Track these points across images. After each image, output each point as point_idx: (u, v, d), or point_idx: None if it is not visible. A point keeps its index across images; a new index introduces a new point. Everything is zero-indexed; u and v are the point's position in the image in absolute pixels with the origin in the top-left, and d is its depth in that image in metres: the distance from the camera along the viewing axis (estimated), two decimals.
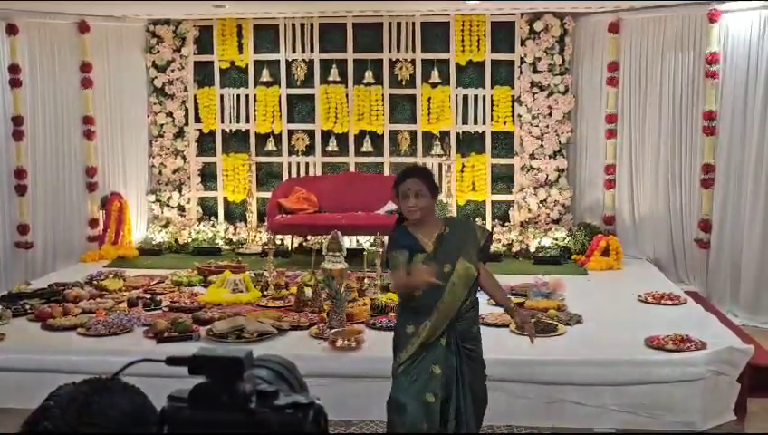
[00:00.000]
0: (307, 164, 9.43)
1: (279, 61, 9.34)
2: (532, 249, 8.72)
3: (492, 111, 9.12)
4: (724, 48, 7.68)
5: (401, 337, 3.89)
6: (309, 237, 8.90)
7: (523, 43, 8.98)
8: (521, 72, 9.01)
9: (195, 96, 9.46)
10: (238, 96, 9.45)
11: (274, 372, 1.17)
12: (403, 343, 3.87)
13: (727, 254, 7.71)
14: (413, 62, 9.17)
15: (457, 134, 9.20)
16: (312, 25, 9.24)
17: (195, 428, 1.06)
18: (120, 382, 1.28)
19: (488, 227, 8.89)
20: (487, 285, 4.04)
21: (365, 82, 9.20)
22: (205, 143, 9.57)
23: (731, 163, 7.66)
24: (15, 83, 8.05)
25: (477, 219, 9.15)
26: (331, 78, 9.23)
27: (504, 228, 9.07)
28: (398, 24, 9.14)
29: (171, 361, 1.12)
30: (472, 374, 3.87)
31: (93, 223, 8.91)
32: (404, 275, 3.79)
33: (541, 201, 9.03)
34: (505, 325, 5.85)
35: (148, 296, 6.78)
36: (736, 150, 7.61)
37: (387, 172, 9.23)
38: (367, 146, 9.25)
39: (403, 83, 9.23)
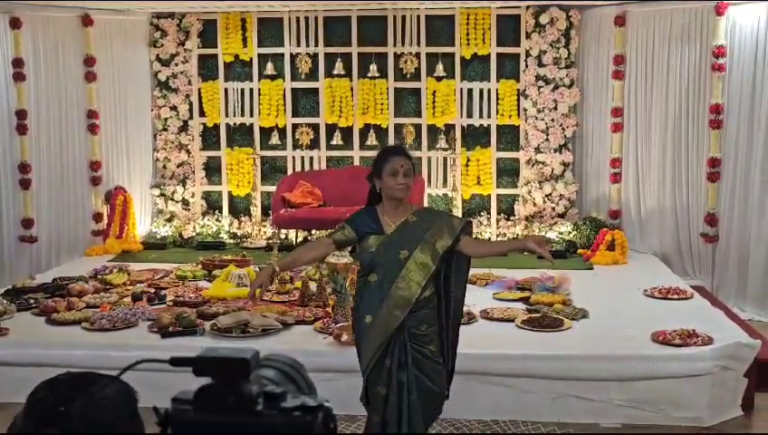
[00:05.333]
0: (311, 158, 9.41)
1: (283, 54, 9.31)
2: None
3: (497, 104, 9.08)
4: (731, 41, 7.66)
5: (361, 329, 3.86)
6: (313, 231, 8.87)
7: (528, 37, 8.94)
8: (526, 66, 8.97)
9: (199, 90, 9.43)
10: (242, 90, 9.42)
11: (281, 372, 1.15)
12: (364, 335, 3.85)
13: (734, 248, 7.68)
14: (418, 55, 9.13)
15: (462, 128, 9.16)
16: (316, 19, 9.21)
17: (200, 430, 1.03)
18: (94, 373, 1.29)
19: (493, 219, 8.90)
20: (482, 250, 4.03)
21: (370, 75, 9.16)
22: (209, 137, 9.55)
23: (738, 157, 7.63)
24: (19, 77, 8.03)
25: (482, 213, 9.13)
26: (335, 71, 9.20)
27: (510, 222, 9.04)
28: (403, 18, 9.10)
29: (175, 361, 1.09)
30: (421, 373, 3.82)
31: (98, 217, 8.90)
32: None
33: (546, 195, 9.00)
34: (510, 320, 5.84)
35: (153, 291, 6.77)
36: (743, 144, 7.58)
37: None
38: (371, 140, 9.22)
39: (408, 77, 9.19)
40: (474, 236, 4.04)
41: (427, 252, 3.80)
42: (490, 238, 8.94)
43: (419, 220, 3.87)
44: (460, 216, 8.41)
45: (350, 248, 4.14)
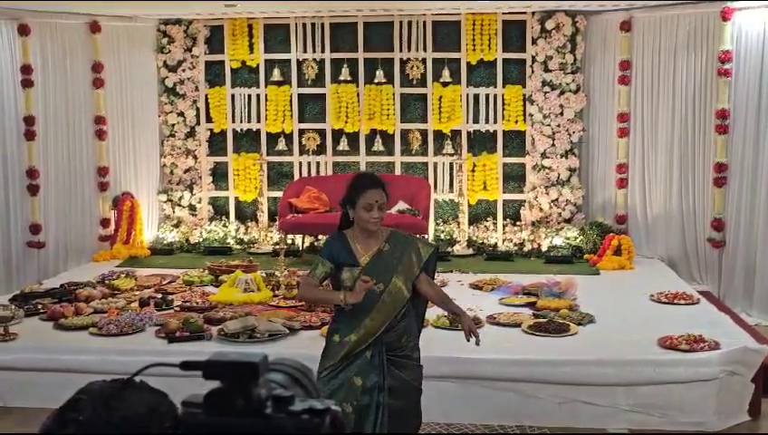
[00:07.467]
0: (318, 163, 9.43)
1: (290, 60, 9.34)
2: (543, 249, 8.69)
3: (503, 110, 9.09)
4: (737, 46, 7.65)
5: (328, 344, 3.88)
6: (320, 237, 8.88)
7: (534, 42, 8.95)
8: (532, 71, 8.97)
9: (206, 96, 9.47)
10: (249, 96, 9.45)
11: (290, 376, 1.15)
12: (328, 349, 3.86)
13: (741, 253, 7.67)
14: (424, 61, 9.15)
15: (468, 133, 9.17)
16: (322, 25, 9.24)
17: (209, 433, 1.05)
18: (143, 382, 1.31)
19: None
20: (432, 294, 3.98)
21: (376, 81, 9.19)
22: (216, 143, 9.58)
23: (744, 162, 7.62)
24: (27, 84, 8.07)
25: (489, 218, 9.13)
26: (341, 77, 9.22)
27: (516, 228, 9.04)
28: (409, 23, 9.13)
29: (185, 365, 1.10)
30: (397, 387, 3.80)
31: (105, 223, 8.93)
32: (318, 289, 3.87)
33: (552, 200, 9.00)
34: (517, 325, 5.84)
35: (160, 296, 6.79)
36: (750, 149, 7.58)
37: (398, 172, 9.22)
38: (378, 145, 9.24)
39: (414, 82, 9.21)
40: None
41: (401, 281, 3.81)
42: (492, 248, 8.94)
43: (392, 249, 3.85)
44: (468, 226, 8.40)
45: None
